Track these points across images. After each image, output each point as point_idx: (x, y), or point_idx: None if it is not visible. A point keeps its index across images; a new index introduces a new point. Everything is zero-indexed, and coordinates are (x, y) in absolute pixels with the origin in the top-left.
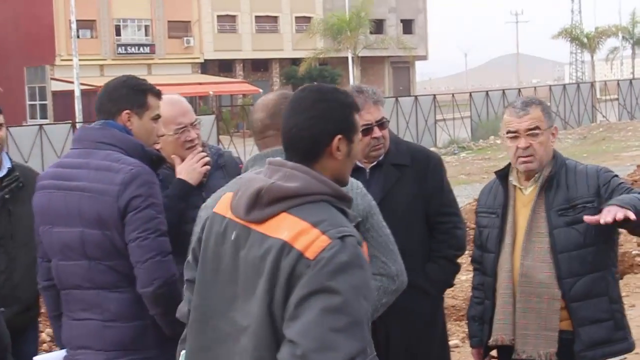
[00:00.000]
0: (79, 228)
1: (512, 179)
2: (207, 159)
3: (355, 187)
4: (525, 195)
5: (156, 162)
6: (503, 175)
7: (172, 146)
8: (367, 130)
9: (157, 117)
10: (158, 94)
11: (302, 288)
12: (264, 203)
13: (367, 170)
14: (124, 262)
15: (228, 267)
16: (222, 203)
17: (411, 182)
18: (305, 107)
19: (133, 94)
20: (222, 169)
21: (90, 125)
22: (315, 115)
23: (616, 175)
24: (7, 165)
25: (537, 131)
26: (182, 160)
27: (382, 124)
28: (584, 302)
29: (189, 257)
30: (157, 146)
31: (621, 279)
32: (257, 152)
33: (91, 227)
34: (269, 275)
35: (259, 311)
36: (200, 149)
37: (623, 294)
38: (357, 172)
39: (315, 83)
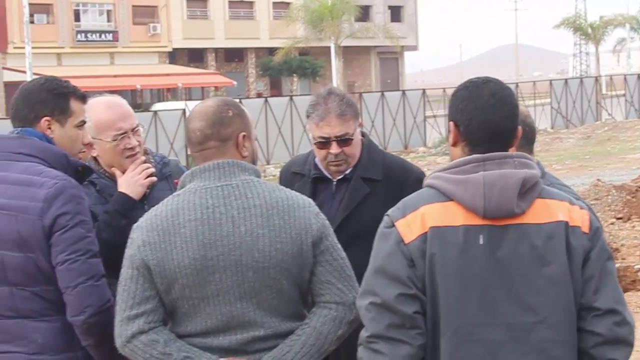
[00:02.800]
0: None
1: None
2: (151, 170)
3: (307, 204)
4: None
5: (82, 173)
6: None
7: (110, 154)
8: (324, 144)
9: (81, 124)
10: (83, 98)
11: (597, 260)
12: (525, 193)
13: (334, 183)
14: (50, 288)
15: (482, 273)
16: (438, 215)
17: (383, 200)
18: (506, 101)
19: (53, 99)
20: (167, 179)
21: (4, 134)
22: (516, 106)
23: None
24: None
25: None
26: (123, 170)
27: (344, 140)
28: None
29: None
30: (94, 153)
31: None
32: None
33: (11, 249)
34: (563, 258)
35: (559, 296)
36: (142, 157)
37: None
38: (322, 183)
39: (294, 75)
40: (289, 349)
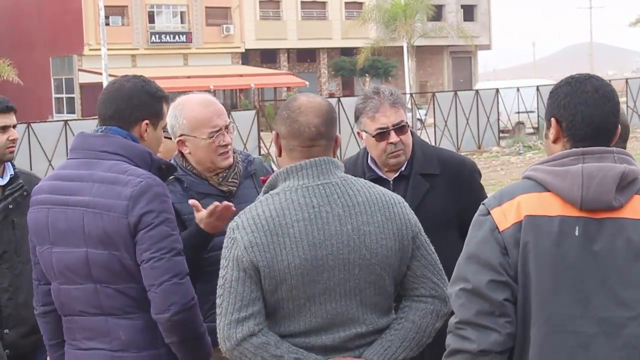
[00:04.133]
0: (82, 248)
1: None
2: (231, 209)
3: (401, 200)
4: None
5: (165, 171)
6: None
7: (204, 151)
8: (382, 135)
9: (165, 126)
10: (168, 101)
11: None
12: (624, 187)
13: (390, 182)
14: (134, 285)
15: (576, 265)
16: (534, 204)
17: (442, 194)
18: (609, 97)
19: (153, 102)
20: (252, 177)
21: (89, 133)
22: (618, 102)
23: None
24: (9, 172)
25: None
26: (215, 167)
27: (400, 127)
28: None
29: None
30: (185, 150)
31: None
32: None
33: (97, 247)
34: None
35: None
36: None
37: None
38: (379, 183)
39: (366, 75)
40: (390, 344)
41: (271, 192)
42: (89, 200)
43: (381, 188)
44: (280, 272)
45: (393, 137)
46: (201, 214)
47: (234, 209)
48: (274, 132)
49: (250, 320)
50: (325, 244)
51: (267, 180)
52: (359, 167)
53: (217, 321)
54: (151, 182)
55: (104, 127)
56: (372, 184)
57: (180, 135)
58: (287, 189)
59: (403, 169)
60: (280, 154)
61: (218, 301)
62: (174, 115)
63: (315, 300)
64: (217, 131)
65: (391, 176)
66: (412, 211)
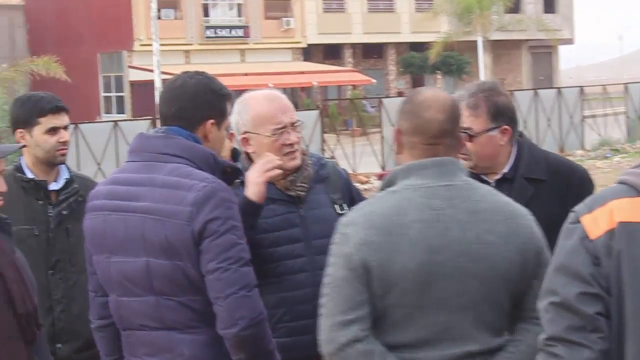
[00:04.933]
0: (143, 258)
1: None
2: (274, 163)
3: (526, 212)
4: None
5: (230, 174)
6: None
7: (268, 150)
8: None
9: (228, 126)
10: (232, 99)
11: None
12: None
13: (492, 184)
14: (199, 298)
15: None
16: (628, 210)
17: (548, 202)
18: None
19: (218, 101)
20: (324, 181)
21: (149, 133)
22: None
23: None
24: (64, 175)
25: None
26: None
27: (465, 133)
28: None
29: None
30: (249, 149)
31: None
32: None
33: (158, 256)
34: None
35: None
36: (297, 155)
37: None
38: None
39: (438, 72)
40: None
41: (388, 189)
42: (150, 206)
43: (506, 197)
44: (393, 274)
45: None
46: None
47: (278, 161)
48: (394, 127)
49: (356, 324)
50: (444, 250)
51: (386, 177)
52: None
53: (320, 322)
54: (216, 187)
55: (164, 127)
56: (497, 191)
57: (244, 133)
58: (407, 187)
59: (506, 171)
60: (400, 152)
61: (323, 300)
62: (238, 111)
63: (425, 310)
64: (282, 128)
65: (493, 178)
66: (538, 225)
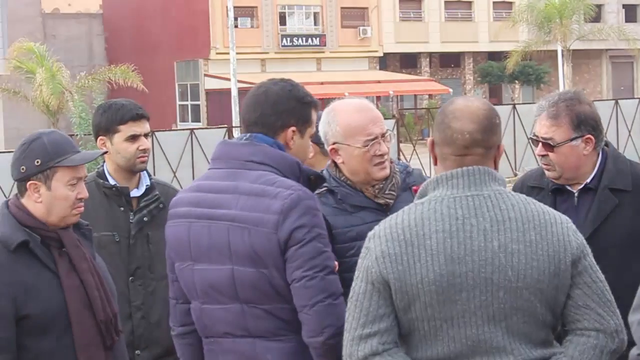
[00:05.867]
0: (228, 265)
1: None
2: None
3: (564, 220)
4: None
5: (314, 182)
6: None
7: (358, 161)
8: (534, 142)
9: (313, 134)
10: (318, 107)
11: None
12: None
13: (575, 194)
14: (284, 306)
15: None
16: None
17: (631, 213)
18: None
19: (301, 108)
20: (411, 190)
21: (233, 141)
22: None
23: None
24: (145, 182)
25: None
26: (369, 179)
27: (547, 144)
28: None
29: None
30: (338, 160)
31: None
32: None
33: (244, 264)
34: None
35: None
36: (387, 165)
37: None
38: (562, 195)
39: (516, 81)
40: None
41: (416, 201)
42: (235, 214)
43: (542, 205)
44: (413, 287)
45: (539, 149)
46: None
47: None
48: (429, 139)
49: (375, 338)
50: (466, 259)
51: (419, 190)
52: (546, 176)
53: (343, 336)
54: (302, 195)
55: (248, 134)
56: (534, 201)
57: (333, 144)
58: (434, 199)
59: (589, 181)
60: (435, 163)
61: (346, 315)
62: (327, 121)
63: (454, 322)
64: (373, 139)
65: (576, 188)
66: (577, 233)
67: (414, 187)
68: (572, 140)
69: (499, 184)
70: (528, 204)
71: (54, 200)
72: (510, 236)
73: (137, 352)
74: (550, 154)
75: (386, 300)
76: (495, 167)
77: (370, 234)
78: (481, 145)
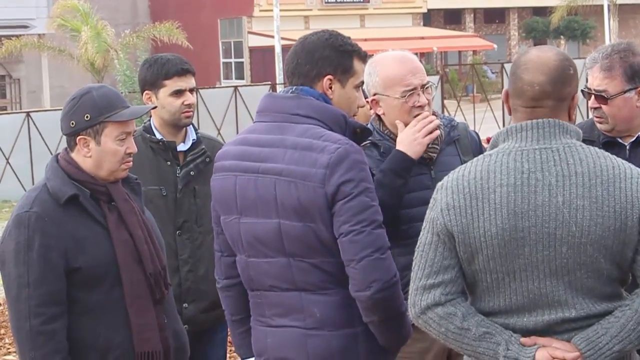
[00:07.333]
0: (274, 219)
1: None
2: (435, 123)
3: (635, 175)
4: None
5: (360, 135)
6: None
7: (397, 112)
8: (586, 95)
9: (360, 85)
10: (364, 58)
11: None
12: None
13: (627, 146)
14: (331, 260)
15: None
16: None
17: None
18: None
19: (338, 56)
20: (455, 143)
21: (279, 94)
22: None
23: None
24: (192, 136)
25: None
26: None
27: (600, 96)
28: None
29: None
30: (379, 111)
31: None
32: (511, 124)
33: (290, 218)
34: None
35: None
36: (426, 113)
37: None
38: (614, 147)
39: (561, 37)
40: (605, 332)
41: (486, 152)
42: (282, 167)
43: (617, 160)
44: (476, 239)
45: (592, 102)
46: (402, 135)
47: (437, 121)
48: (504, 90)
49: (439, 288)
50: (529, 214)
51: (490, 140)
52: (597, 129)
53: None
54: (349, 149)
55: (294, 87)
56: (606, 154)
57: (374, 95)
58: (502, 151)
59: None
60: (510, 114)
61: (412, 264)
62: (369, 72)
63: (516, 276)
64: (412, 90)
65: (628, 140)
66: None
67: (487, 137)
68: (625, 92)
69: (571, 136)
70: (598, 157)
71: (103, 154)
72: (575, 192)
73: (185, 305)
74: (603, 106)
75: (451, 251)
76: (570, 119)
77: (438, 185)
78: (551, 97)
